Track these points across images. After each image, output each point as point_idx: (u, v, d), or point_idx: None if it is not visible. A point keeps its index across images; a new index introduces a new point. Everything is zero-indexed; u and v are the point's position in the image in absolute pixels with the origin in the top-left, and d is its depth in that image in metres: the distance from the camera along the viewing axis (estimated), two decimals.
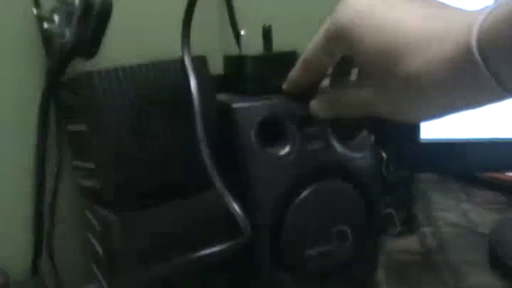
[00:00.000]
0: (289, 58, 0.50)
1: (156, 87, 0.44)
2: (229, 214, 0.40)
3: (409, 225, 0.65)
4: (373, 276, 0.54)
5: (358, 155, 0.49)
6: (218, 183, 0.38)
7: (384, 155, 0.63)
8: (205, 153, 0.41)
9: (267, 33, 0.50)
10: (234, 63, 0.51)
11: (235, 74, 0.51)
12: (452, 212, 0.71)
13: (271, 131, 0.46)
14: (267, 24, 0.50)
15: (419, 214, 0.70)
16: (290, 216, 0.46)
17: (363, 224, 0.50)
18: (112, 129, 0.41)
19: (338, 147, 0.48)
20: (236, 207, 0.38)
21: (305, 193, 0.46)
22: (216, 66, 0.50)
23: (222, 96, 0.49)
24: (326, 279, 0.49)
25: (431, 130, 0.50)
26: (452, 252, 0.60)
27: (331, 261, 0.48)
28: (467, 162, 0.51)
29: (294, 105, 0.46)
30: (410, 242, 0.63)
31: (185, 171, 0.44)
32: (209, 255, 0.35)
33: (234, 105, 0.45)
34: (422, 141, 0.50)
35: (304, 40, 0.44)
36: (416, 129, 0.50)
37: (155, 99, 0.44)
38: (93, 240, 0.50)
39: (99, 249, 0.48)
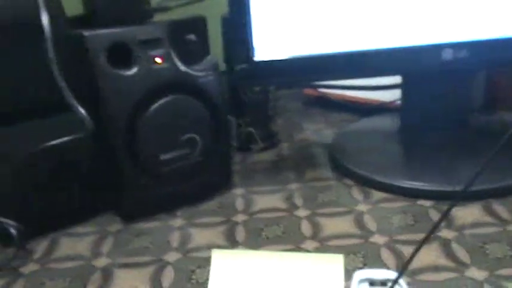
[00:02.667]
0: None
1: (9, 16, 0.50)
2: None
3: (270, 142, 0.75)
4: (229, 180, 0.63)
5: (201, 73, 0.58)
6: (65, 90, 0.45)
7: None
8: (55, 70, 0.48)
9: None
10: (91, 2, 0.58)
11: (92, 12, 0.58)
12: (310, 131, 0.82)
13: (120, 54, 0.53)
14: None
15: (281, 134, 0.80)
16: (142, 126, 0.54)
17: (210, 133, 0.59)
18: None
19: (182, 66, 0.56)
20: (79, 107, 0.45)
21: (154, 106, 0.55)
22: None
23: (79, 30, 0.55)
24: (183, 181, 0.58)
25: (265, 52, 0.59)
26: (302, 159, 0.70)
27: (184, 164, 0.57)
28: (296, 77, 0.61)
29: (139, 32, 0.54)
30: (269, 155, 0.73)
31: (39, 94, 0.51)
32: (56, 145, 0.43)
33: (85, 33, 0.52)
34: (256, 59, 0.59)
35: None
36: (251, 51, 0.59)
37: (8, 27, 0.50)
38: None
39: None
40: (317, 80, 0.69)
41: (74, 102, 0.45)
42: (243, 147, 0.75)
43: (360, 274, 0.40)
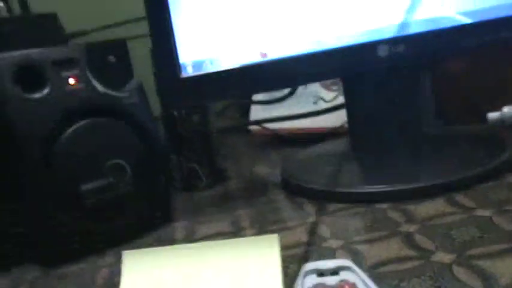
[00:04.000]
0: (46, 19, 0.54)
1: None
2: None
3: (216, 178, 0.70)
4: (168, 213, 0.57)
5: (124, 94, 0.53)
6: None
7: (175, 113, 0.68)
8: None
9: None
10: None
11: None
12: (261, 166, 0.77)
13: (32, 77, 0.48)
14: None
15: (230, 172, 0.74)
16: (57, 153, 0.48)
17: (141, 160, 0.53)
18: None
19: (100, 87, 0.52)
20: None
21: (70, 130, 0.49)
22: None
23: None
24: (112, 215, 0.52)
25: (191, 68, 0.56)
26: (252, 189, 0.65)
27: (110, 195, 0.51)
28: (226, 90, 0.57)
29: (51, 53, 0.49)
30: (215, 190, 0.67)
31: None
32: None
33: None
34: (183, 76, 0.56)
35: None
36: (176, 66, 0.55)
37: None
38: None
39: None
40: (249, 93, 0.66)
41: None
42: (186, 186, 0.69)
43: (306, 266, 0.34)
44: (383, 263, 0.39)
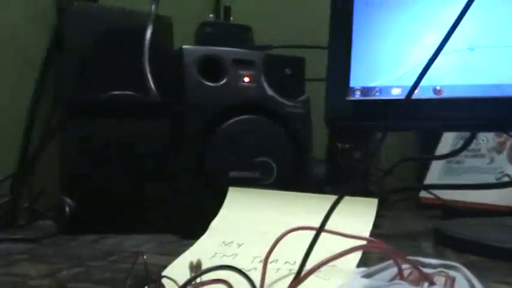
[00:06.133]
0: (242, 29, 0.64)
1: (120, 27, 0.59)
2: None
3: None
4: None
5: (289, 103, 0.59)
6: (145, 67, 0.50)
7: (340, 145, 0.71)
8: (144, 61, 0.53)
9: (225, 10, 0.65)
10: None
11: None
12: (420, 227, 0.74)
13: (213, 70, 0.57)
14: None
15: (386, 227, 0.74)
16: (216, 138, 0.56)
17: (289, 164, 0.57)
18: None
19: (268, 90, 0.58)
20: (149, 76, 0.49)
21: (233, 120, 0.56)
22: None
23: None
24: None
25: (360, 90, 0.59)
26: (401, 238, 0.64)
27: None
28: (392, 120, 0.58)
29: (235, 53, 0.58)
30: None
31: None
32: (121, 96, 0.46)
33: (184, 46, 0.58)
34: (350, 98, 0.59)
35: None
36: (346, 89, 0.59)
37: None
38: None
39: None
40: (414, 128, 0.65)
41: (147, 71, 0.49)
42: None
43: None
44: None
